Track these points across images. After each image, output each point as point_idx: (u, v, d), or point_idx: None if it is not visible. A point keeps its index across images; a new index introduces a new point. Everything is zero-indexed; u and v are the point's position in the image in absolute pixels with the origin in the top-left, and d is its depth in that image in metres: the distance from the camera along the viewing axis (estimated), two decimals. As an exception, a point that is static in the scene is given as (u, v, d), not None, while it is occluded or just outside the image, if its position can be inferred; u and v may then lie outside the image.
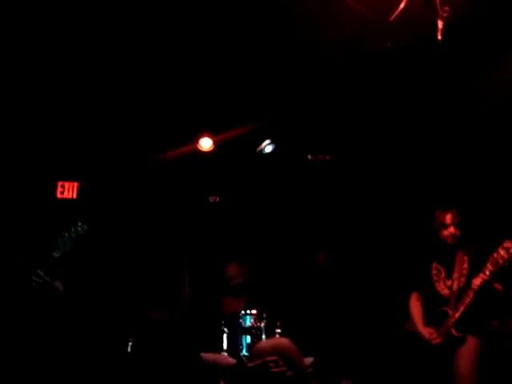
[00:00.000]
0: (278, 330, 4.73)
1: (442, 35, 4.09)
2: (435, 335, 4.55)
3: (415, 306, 4.87)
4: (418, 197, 6.21)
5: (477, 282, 4.40)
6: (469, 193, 5.66)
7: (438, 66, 5.12)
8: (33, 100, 5.66)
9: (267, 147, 6.57)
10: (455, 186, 5.83)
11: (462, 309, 4.46)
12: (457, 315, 4.47)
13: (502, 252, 4.36)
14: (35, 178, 6.02)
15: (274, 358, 2.29)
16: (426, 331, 4.62)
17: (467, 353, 4.42)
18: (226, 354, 4.61)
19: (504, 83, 5.20)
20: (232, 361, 2.48)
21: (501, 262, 4.34)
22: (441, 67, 5.15)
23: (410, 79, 5.39)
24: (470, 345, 4.43)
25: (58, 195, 6.00)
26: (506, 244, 4.37)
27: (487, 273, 4.38)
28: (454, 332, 4.47)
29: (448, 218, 4.70)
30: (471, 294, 4.43)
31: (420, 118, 5.91)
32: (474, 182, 5.75)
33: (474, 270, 4.49)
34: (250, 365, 2.34)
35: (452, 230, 4.67)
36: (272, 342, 2.49)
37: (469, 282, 4.48)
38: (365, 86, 5.60)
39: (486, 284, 4.39)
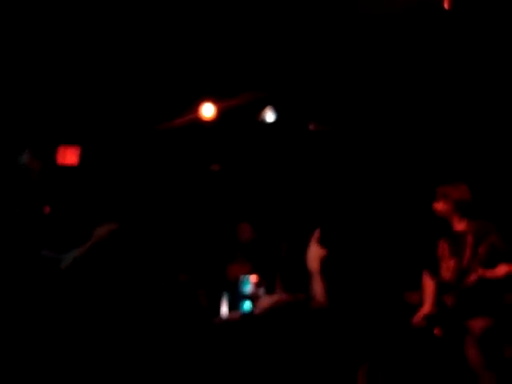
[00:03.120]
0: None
1: (450, 4, 4.06)
2: (420, 321, 4.28)
3: (427, 284, 4.42)
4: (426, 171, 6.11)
5: (472, 279, 4.04)
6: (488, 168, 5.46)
7: (445, 35, 5.08)
8: (34, 63, 5.63)
9: (269, 116, 6.55)
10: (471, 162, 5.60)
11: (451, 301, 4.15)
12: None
13: None
14: (35, 142, 5.99)
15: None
16: (416, 315, 4.33)
17: (473, 343, 4.06)
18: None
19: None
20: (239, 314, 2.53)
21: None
22: (448, 36, 5.11)
23: (417, 48, 5.35)
24: (476, 331, 4.05)
25: (59, 160, 5.98)
26: None
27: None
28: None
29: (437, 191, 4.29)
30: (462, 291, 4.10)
31: (427, 89, 5.85)
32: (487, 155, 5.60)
33: (476, 254, 4.08)
34: (258, 313, 2.38)
35: (435, 204, 4.26)
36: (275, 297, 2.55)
37: (468, 269, 4.08)
38: (370, 55, 5.56)
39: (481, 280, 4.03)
